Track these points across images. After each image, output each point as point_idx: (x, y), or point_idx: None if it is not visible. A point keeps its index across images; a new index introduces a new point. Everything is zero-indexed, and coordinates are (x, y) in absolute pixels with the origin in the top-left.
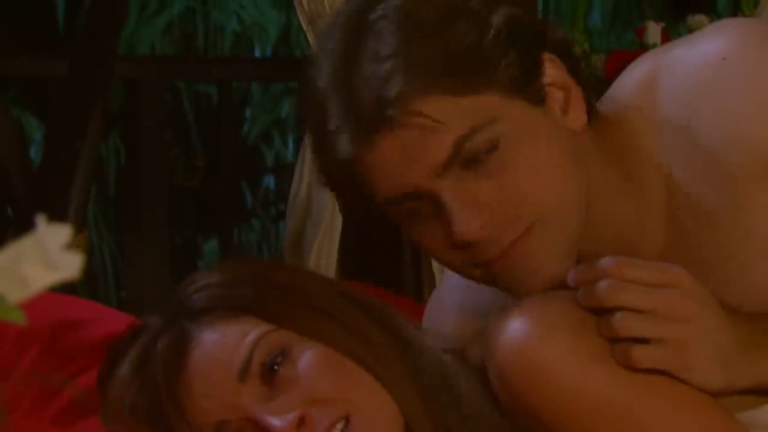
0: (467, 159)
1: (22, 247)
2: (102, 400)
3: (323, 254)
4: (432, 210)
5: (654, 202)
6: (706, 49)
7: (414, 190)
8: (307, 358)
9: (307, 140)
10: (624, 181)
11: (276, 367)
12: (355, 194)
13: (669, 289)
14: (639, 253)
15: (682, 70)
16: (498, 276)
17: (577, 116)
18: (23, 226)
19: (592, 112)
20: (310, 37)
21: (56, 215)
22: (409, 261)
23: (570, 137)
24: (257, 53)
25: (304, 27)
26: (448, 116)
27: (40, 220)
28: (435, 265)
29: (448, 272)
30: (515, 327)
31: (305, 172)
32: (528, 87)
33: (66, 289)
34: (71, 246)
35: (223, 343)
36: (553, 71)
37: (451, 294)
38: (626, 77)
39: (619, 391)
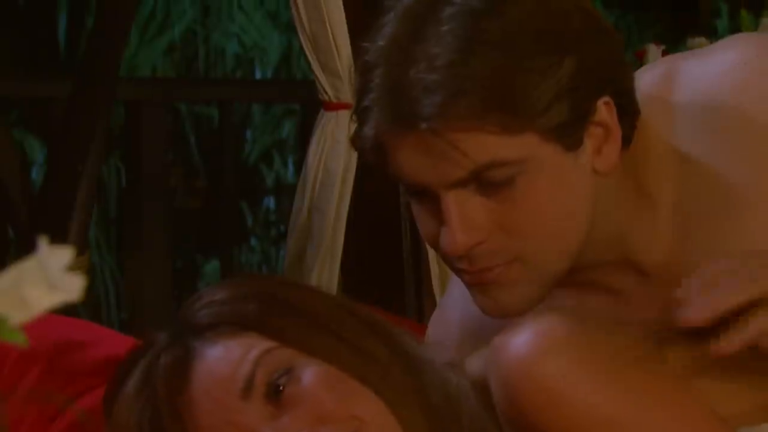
0: (482, 183)
1: (24, 269)
2: (107, 420)
3: (324, 276)
4: (435, 205)
5: (663, 215)
6: (722, 59)
7: (423, 187)
8: (312, 376)
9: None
10: (638, 199)
11: (281, 387)
12: (375, 160)
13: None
14: (641, 264)
15: (697, 82)
16: (468, 288)
17: (609, 157)
18: (24, 248)
19: (627, 143)
20: (311, 59)
21: (57, 237)
22: (410, 282)
23: (594, 178)
24: (258, 75)
25: (305, 49)
26: (476, 149)
27: (42, 242)
28: (436, 285)
29: (451, 288)
30: (521, 342)
31: (306, 193)
32: (569, 133)
33: (67, 310)
34: (72, 268)
35: (225, 359)
36: (603, 114)
37: (453, 309)
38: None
39: (626, 407)
